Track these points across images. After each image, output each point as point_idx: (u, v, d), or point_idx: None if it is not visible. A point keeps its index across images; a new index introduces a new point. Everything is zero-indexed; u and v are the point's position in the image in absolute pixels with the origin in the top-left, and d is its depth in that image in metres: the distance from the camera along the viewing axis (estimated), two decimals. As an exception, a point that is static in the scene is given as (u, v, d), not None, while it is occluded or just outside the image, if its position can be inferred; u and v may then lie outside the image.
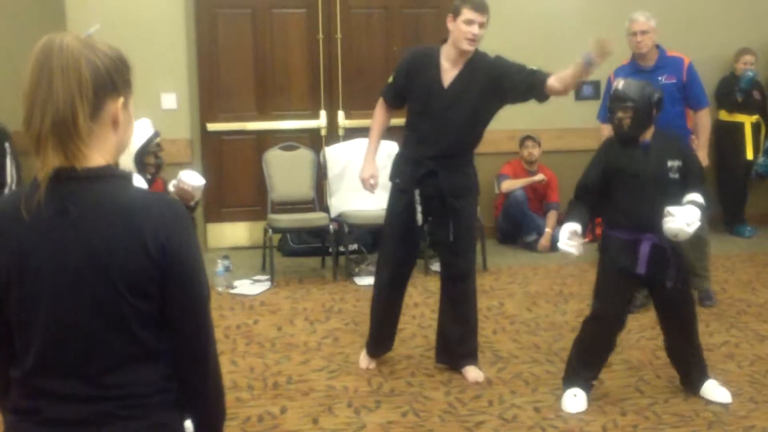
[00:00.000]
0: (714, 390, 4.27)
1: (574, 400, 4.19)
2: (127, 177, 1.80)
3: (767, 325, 5.38)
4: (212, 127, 7.47)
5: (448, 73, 4.37)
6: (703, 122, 5.66)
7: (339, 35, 7.54)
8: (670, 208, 3.90)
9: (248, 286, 6.36)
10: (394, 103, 4.56)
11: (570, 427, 3.95)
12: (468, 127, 4.44)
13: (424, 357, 4.84)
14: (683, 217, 3.89)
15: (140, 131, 3.56)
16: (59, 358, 1.72)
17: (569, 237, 4.06)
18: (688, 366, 4.32)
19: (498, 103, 4.46)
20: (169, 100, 7.11)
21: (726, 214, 7.83)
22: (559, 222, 7.49)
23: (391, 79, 4.52)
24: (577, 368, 4.23)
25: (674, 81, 5.47)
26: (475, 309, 4.63)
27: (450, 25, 4.32)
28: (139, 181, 3.32)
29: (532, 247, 7.42)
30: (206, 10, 7.36)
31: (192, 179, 3.64)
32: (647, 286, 4.32)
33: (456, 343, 4.58)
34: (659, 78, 5.41)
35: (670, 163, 4.08)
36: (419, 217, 4.42)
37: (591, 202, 4.19)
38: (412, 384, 4.48)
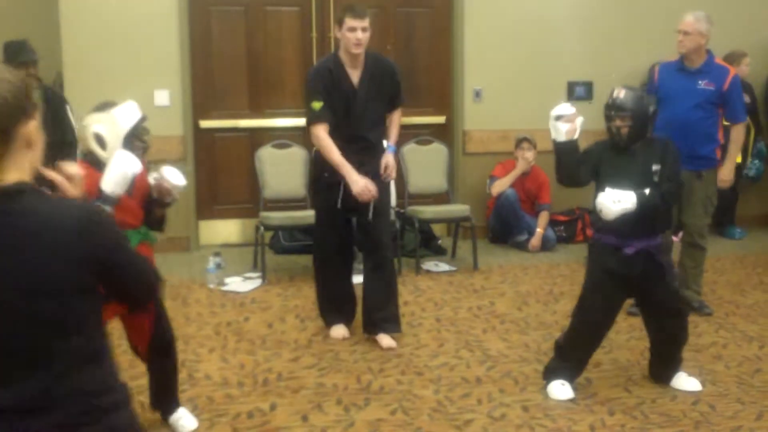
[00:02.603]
0: (684, 380, 4.39)
1: (562, 388, 4.24)
2: (37, 190, 1.82)
3: (755, 326, 5.41)
4: (205, 124, 7.48)
5: (354, 76, 4.87)
6: (736, 136, 5.59)
7: (332, 34, 7.55)
8: (608, 187, 4.00)
9: (239, 283, 6.36)
10: (328, 122, 4.84)
11: (558, 426, 3.97)
12: (381, 118, 5.02)
13: (414, 355, 4.86)
14: (612, 194, 3.95)
15: (127, 114, 3.55)
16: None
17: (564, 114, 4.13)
18: (668, 364, 4.43)
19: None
20: (162, 97, 7.11)
21: (716, 216, 7.87)
22: (551, 223, 7.54)
23: (317, 105, 4.78)
24: (560, 366, 4.29)
25: (713, 88, 5.38)
26: (394, 277, 5.13)
27: (338, 34, 4.85)
28: (132, 159, 3.33)
29: (523, 246, 7.44)
30: (200, 8, 7.36)
31: (174, 177, 3.63)
32: (640, 293, 4.32)
33: (375, 309, 5.00)
34: (699, 82, 5.39)
35: (654, 167, 4.14)
36: (339, 202, 4.89)
37: (585, 166, 4.22)
38: (402, 382, 4.49)
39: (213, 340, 5.11)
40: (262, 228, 6.66)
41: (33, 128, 1.81)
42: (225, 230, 7.67)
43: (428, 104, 7.78)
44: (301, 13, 7.56)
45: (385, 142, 5.11)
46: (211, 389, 4.36)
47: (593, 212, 4.26)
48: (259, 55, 7.55)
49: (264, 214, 6.75)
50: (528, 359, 4.80)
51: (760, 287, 6.33)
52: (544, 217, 7.47)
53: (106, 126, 3.50)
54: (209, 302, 5.89)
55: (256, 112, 7.61)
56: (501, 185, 7.49)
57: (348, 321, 5.23)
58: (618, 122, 4.13)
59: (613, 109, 4.15)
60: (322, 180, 4.97)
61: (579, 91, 7.87)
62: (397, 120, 5.13)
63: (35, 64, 5.97)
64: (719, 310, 5.70)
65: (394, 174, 5.09)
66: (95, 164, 3.45)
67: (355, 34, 4.74)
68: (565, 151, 4.19)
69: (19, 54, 5.94)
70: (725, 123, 5.60)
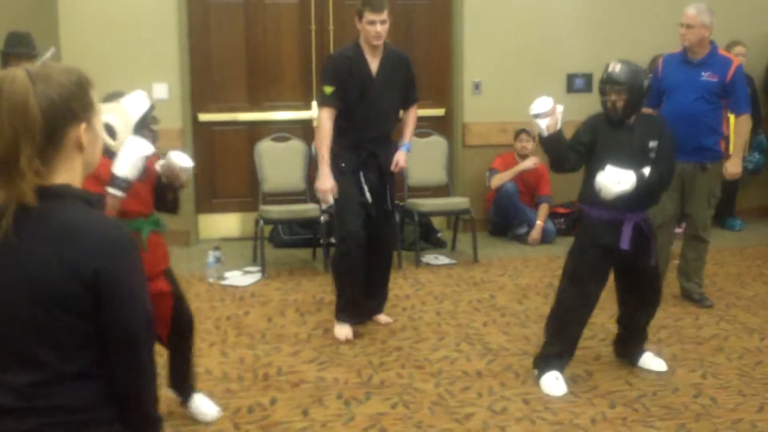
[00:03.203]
0: (652, 360, 4.54)
1: (557, 382, 4.26)
2: (81, 197, 1.81)
3: (756, 318, 5.41)
4: (204, 117, 7.46)
5: (373, 64, 4.96)
6: (740, 128, 5.57)
7: (331, 27, 7.53)
8: (608, 165, 4.02)
9: (239, 277, 6.35)
10: (338, 108, 4.94)
11: (559, 419, 3.96)
12: (395, 109, 5.13)
13: (414, 349, 4.85)
14: (613, 175, 3.99)
15: (136, 103, 3.59)
16: None
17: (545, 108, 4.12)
18: (636, 338, 4.53)
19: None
20: (161, 90, 7.08)
21: (716, 208, 7.85)
22: (551, 215, 7.53)
23: (331, 89, 4.88)
24: (553, 351, 4.30)
25: (716, 80, 5.38)
26: (391, 265, 5.38)
27: (358, 26, 4.93)
28: (144, 143, 3.40)
29: (523, 239, 7.43)
30: (198, 1, 7.34)
31: (181, 160, 3.66)
32: (624, 264, 4.32)
33: (372, 296, 5.22)
34: (702, 74, 5.38)
35: (651, 144, 4.18)
36: (368, 196, 4.98)
37: (576, 151, 4.24)
38: (402, 376, 4.48)
39: (213, 335, 5.10)
40: (261, 222, 6.65)
41: (84, 131, 1.79)
42: (224, 224, 7.66)
43: (427, 97, 7.74)
44: (300, 5, 7.53)
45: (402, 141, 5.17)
46: (212, 384, 4.35)
47: (583, 186, 4.29)
48: (258, 48, 7.52)
49: (263, 207, 6.74)
50: (528, 352, 4.79)
51: (760, 279, 6.32)
52: (544, 210, 7.46)
53: (116, 116, 3.51)
54: (209, 296, 5.88)
55: (255, 105, 7.59)
56: (500, 179, 7.47)
57: (359, 320, 5.18)
58: (613, 96, 4.16)
59: (608, 83, 4.18)
60: (339, 169, 4.96)
61: (578, 83, 7.86)
62: (412, 118, 5.20)
63: (32, 58, 5.93)
64: (720, 302, 5.69)
65: (403, 167, 5.16)
66: (105, 153, 3.47)
67: (374, 27, 4.84)
68: (550, 144, 4.22)
69: (17, 45, 5.91)
70: (729, 115, 5.58)
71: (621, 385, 4.35)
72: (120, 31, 6.96)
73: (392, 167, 5.06)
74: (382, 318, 5.31)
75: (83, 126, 1.79)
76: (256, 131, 7.44)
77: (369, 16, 4.83)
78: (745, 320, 5.36)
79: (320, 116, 4.99)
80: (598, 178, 4.02)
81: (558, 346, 4.31)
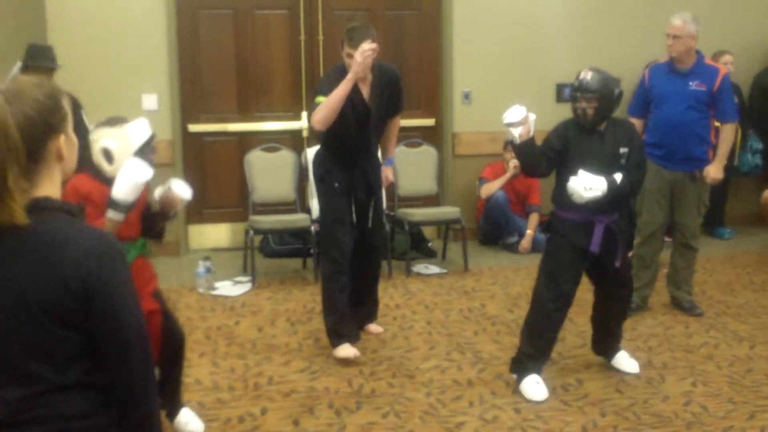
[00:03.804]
0: (625, 361, 4.64)
1: (538, 386, 4.28)
2: (63, 208, 1.81)
3: (746, 326, 5.42)
4: (194, 128, 7.45)
5: (364, 89, 4.84)
6: (726, 136, 5.54)
7: (321, 37, 7.54)
8: (581, 170, 4.09)
9: (229, 288, 6.34)
10: None
11: (550, 428, 3.96)
12: (382, 129, 5.09)
13: (405, 358, 4.85)
14: (585, 181, 4.07)
15: (139, 131, 3.58)
16: None
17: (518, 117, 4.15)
18: (609, 336, 4.64)
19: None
20: (150, 101, 7.08)
21: (705, 217, 7.88)
22: (540, 225, 7.54)
23: (322, 100, 4.74)
24: (530, 353, 4.33)
25: (704, 89, 5.38)
26: (380, 274, 5.42)
27: (342, 53, 4.76)
28: (143, 167, 3.38)
29: (513, 248, 7.44)
30: (188, 11, 7.34)
31: (181, 191, 3.67)
32: (593, 265, 4.39)
33: (362, 305, 5.21)
34: (690, 83, 5.39)
35: (621, 150, 4.25)
36: (354, 216, 5.00)
37: (547, 157, 4.30)
38: (393, 385, 4.48)
39: (203, 345, 5.08)
40: (251, 232, 6.64)
41: (63, 142, 1.80)
42: (214, 234, 7.65)
43: (417, 107, 7.77)
44: (290, 15, 7.54)
45: (380, 155, 5.18)
46: (202, 394, 4.34)
47: (556, 189, 4.35)
48: (248, 58, 7.52)
49: (253, 217, 6.73)
50: (519, 361, 4.79)
51: (750, 287, 6.34)
52: (534, 219, 7.47)
53: (117, 141, 3.50)
54: (199, 306, 5.86)
55: (245, 115, 7.59)
56: (489, 189, 7.48)
57: (356, 338, 5.02)
58: (584, 103, 4.23)
59: (579, 90, 4.26)
60: (331, 186, 4.92)
61: (568, 93, 7.80)
62: (395, 129, 5.19)
63: (51, 72, 5.88)
64: (710, 311, 5.71)
65: (392, 181, 5.34)
66: (97, 176, 3.48)
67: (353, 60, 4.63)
68: (523, 151, 4.28)
69: (37, 58, 5.88)
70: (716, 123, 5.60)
71: (611, 394, 4.36)
72: (109, 43, 6.95)
73: (383, 184, 5.14)
74: (373, 327, 5.32)
75: (62, 137, 1.80)
76: (246, 141, 7.44)
77: (347, 49, 4.66)
78: (735, 328, 5.37)
79: (311, 119, 4.87)
80: (570, 183, 4.10)
81: (534, 348, 4.34)
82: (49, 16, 6.91)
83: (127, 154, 3.48)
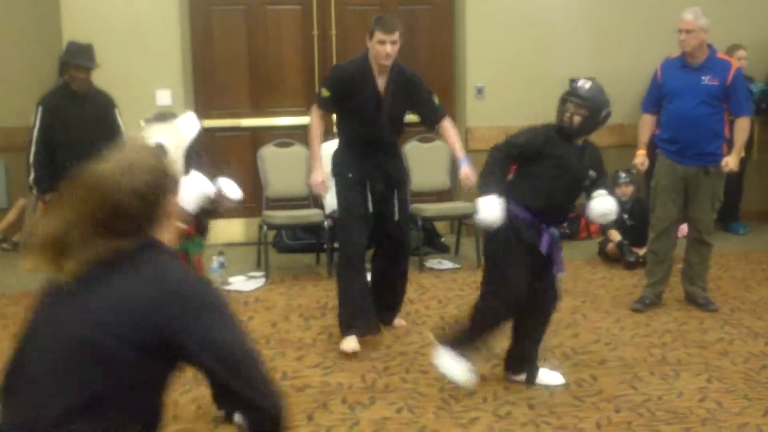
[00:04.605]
0: (547, 376, 4.43)
1: (460, 366, 4.24)
2: (158, 247, 1.90)
3: (761, 322, 5.39)
4: (207, 123, 7.41)
5: (380, 80, 4.93)
6: (741, 129, 5.52)
7: (334, 32, 7.54)
8: (600, 191, 4.25)
9: (243, 283, 6.36)
10: (329, 112, 5.20)
11: (564, 424, 3.96)
12: (401, 123, 5.14)
13: (419, 353, 4.85)
14: (603, 208, 4.27)
15: (189, 125, 3.63)
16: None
17: (493, 208, 4.12)
18: (525, 351, 4.44)
19: (409, 108, 5.13)
20: (164, 97, 7.10)
21: (720, 212, 7.85)
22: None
23: (327, 93, 4.98)
24: (472, 341, 4.27)
25: (717, 83, 5.37)
26: (407, 272, 5.37)
27: (368, 43, 4.88)
28: (206, 182, 3.52)
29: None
30: (201, 7, 7.35)
31: (231, 191, 3.75)
32: (536, 267, 4.30)
33: (390, 303, 5.26)
34: (703, 78, 5.37)
35: (591, 173, 4.29)
36: (370, 206, 4.97)
37: (509, 165, 4.32)
38: (407, 380, 4.48)
39: (217, 340, 5.09)
40: (265, 227, 6.65)
41: (172, 201, 1.93)
42: (228, 229, 7.66)
43: (430, 102, 7.76)
44: (303, 11, 7.55)
45: (459, 156, 5.06)
46: (216, 389, 4.34)
47: (514, 184, 4.31)
48: (261, 53, 7.53)
49: (267, 213, 6.74)
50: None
51: (765, 283, 6.31)
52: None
53: (169, 136, 3.53)
54: (213, 302, 5.87)
55: (258, 111, 7.60)
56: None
57: (368, 330, 5.02)
58: (572, 109, 4.20)
59: (572, 95, 4.25)
60: (346, 179, 4.99)
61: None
62: (451, 135, 5.12)
63: (89, 71, 5.89)
64: (724, 307, 5.68)
65: (473, 179, 4.95)
66: None
67: (384, 48, 4.80)
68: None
69: (77, 56, 5.88)
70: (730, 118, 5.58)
71: (626, 390, 4.34)
72: (123, 39, 6.97)
73: (463, 182, 5.00)
74: (397, 321, 5.35)
75: (171, 197, 1.94)
76: (259, 137, 7.45)
77: (379, 35, 4.78)
78: (750, 324, 5.35)
79: (312, 113, 5.08)
80: (592, 206, 4.25)
81: (475, 341, 4.28)
82: (63, 13, 6.93)
83: (180, 149, 3.54)
